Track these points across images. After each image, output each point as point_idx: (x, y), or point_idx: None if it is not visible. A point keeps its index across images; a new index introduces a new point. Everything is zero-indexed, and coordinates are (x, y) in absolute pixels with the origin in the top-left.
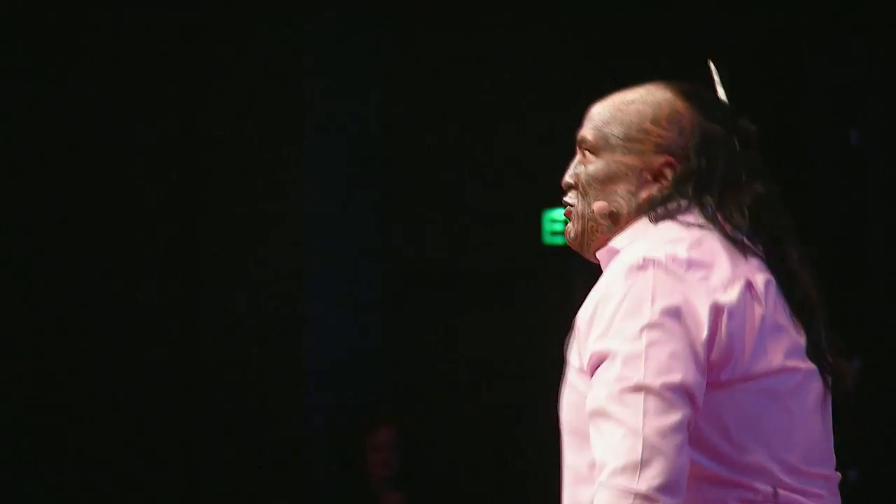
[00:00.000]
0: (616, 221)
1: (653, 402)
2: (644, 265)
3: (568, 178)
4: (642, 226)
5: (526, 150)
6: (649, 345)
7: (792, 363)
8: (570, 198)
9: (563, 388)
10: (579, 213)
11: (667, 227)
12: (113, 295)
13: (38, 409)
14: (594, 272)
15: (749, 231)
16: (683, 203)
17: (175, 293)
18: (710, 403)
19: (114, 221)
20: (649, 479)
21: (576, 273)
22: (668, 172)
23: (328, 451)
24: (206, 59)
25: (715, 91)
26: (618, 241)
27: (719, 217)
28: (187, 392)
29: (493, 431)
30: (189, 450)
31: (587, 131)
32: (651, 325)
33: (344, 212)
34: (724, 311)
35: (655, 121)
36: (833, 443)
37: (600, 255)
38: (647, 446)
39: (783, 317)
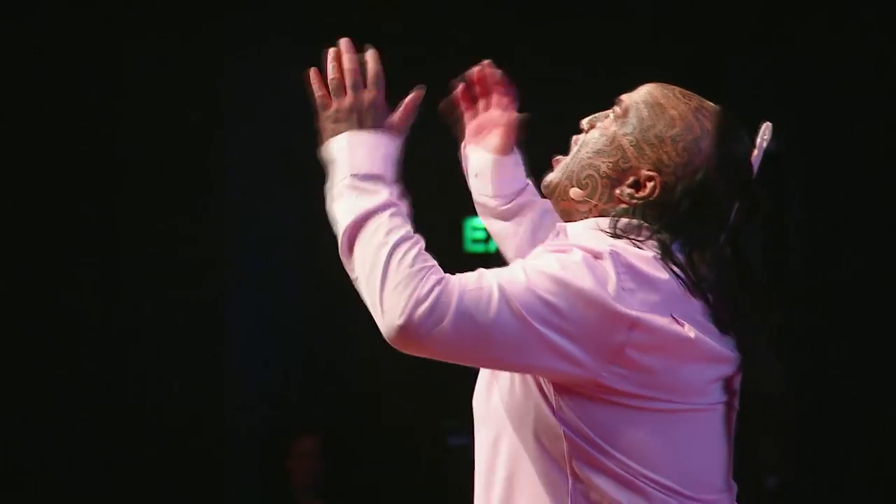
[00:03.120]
0: (584, 201)
1: (503, 292)
2: (587, 250)
3: (586, 121)
4: (600, 235)
5: (447, 157)
6: (539, 278)
7: (708, 398)
8: (575, 139)
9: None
10: (566, 168)
11: (624, 242)
12: (31, 300)
13: None
14: None
15: (704, 282)
16: (646, 227)
17: (93, 298)
18: (609, 417)
19: (37, 230)
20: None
21: None
22: (648, 189)
23: (251, 459)
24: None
25: (752, 150)
26: (573, 230)
27: (676, 254)
28: (107, 396)
29: (416, 440)
30: (108, 457)
31: (628, 97)
32: (551, 276)
33: (268, 226)
34: (626, 318)
35: (675, 140)
36: (731, 461)
37: (561, 214)
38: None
39: (711, 352)
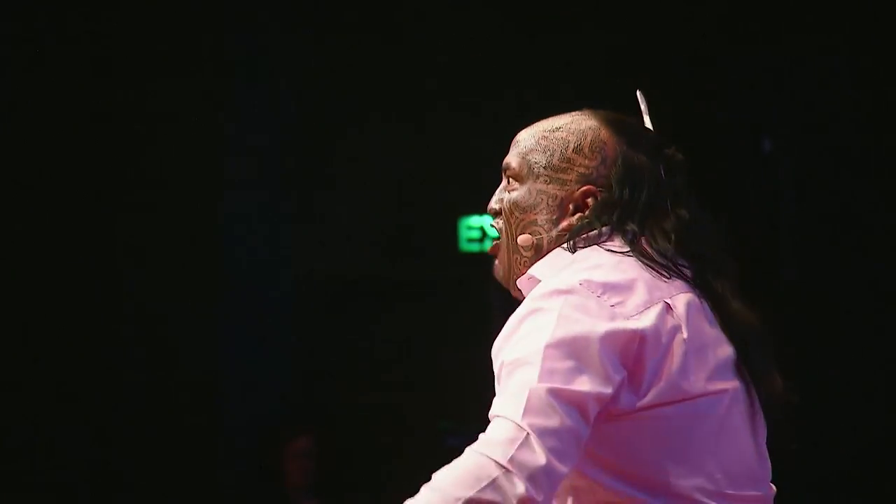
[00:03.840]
0: (538, 252)
1: (536, 401)
2: (557, 292)
3: (493, 203)
4: (561, 255)
5: (444, 157)
6: (545, 359)
7: (717, 385)
8: (496, 223)
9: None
10: (506, 249)
11: (586, 254)
12: (26, 302)
13: None
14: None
15: (674, 255)
16: (605, 230)
17: (88, 299)
18: (628, 430)
19: (37, 230)
20: (520, 458)
21: (493, 280)
22: (591, 202)
23: (246, 459)
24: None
25: (642, 120)
26: (537, 270)
27: (642, 241)
28: (101, 397)
29: (411, 439)
30: (103, 462)
31: (512, 157)
32: (550, 345)
33: (259, 223)
34: (636, 339)
35: (579, 150)
36: (767, 457)
37: (521, 284)
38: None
39: (709, 336)
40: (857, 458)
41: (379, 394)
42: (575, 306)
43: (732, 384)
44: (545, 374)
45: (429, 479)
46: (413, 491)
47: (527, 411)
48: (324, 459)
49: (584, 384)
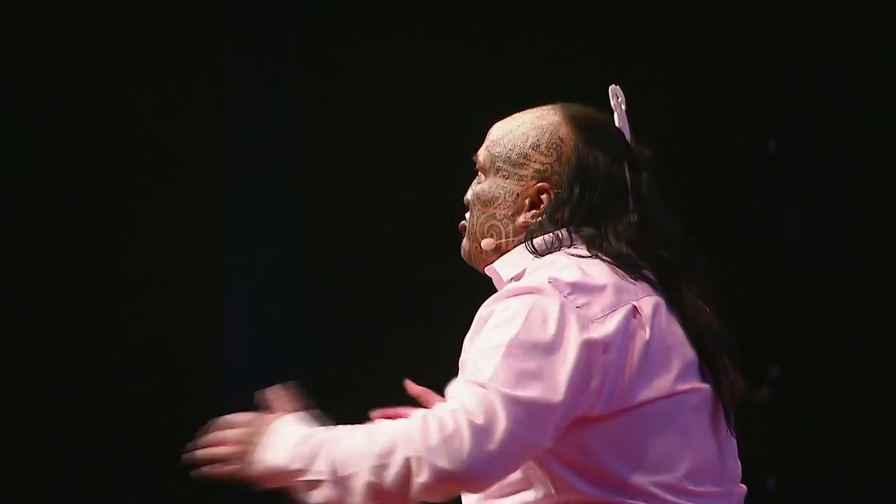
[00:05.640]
0: (497, 248)
1: (481, 400)
2: (526, 291)
3: (467, 197)
4: (523, 254)
5: (440, 159)
6: (505, 356)
7: (682, 386)
8: (467, 216)
9: None
10: (469, 232)
11: (553, 257)
12: (26, 300)
13: None
14: None
15: (632, 256)
16: (564, 234)
17: (89, 295)
18: (592, 433)
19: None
20: (443, 446)
21: None
22: (545, 199)
23: None
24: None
25: (610, 116)
26: (501, 267)
27: (601, 243)
28: (100, 402)
29: None
30: (101, 463)
31: (481, 151)
32: (512, 343)
33: (264, 224)
34: (599, 344)
35: (536, 146)
36: (735, 457)
37: (489, 272)
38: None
39: (674, 339)
40: (857, 459)
41: (382, 394)
42: (542, 308)
43: (696, 385)
44: (500, 374)
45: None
46: None
47: (472, 409)
48: None
49: (535, 390)
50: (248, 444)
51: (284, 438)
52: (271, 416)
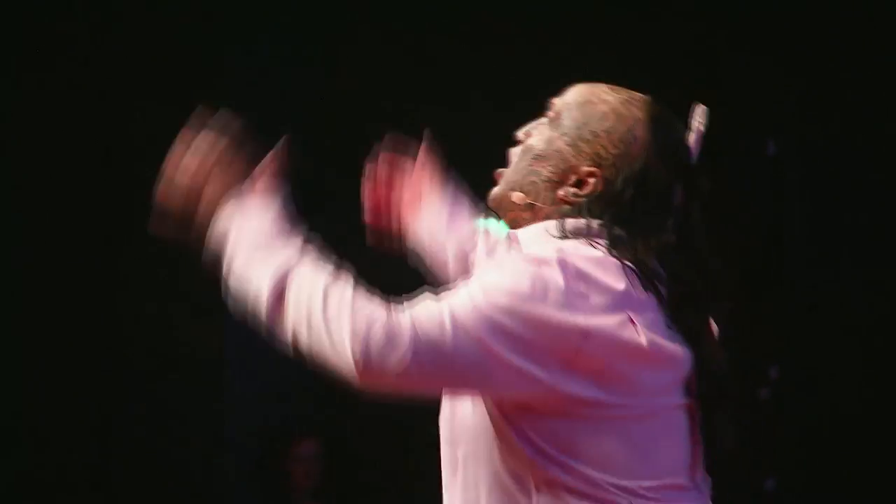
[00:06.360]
0: (528, 210)
1: (437, 317)
2: (536, 261)
3: (521, 132)
4: (547, 233)
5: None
6: (484, 301)
7: (666, 400)
8: (514, 151)
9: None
10: (506, 178)
11: (575, 244)
12: (31, 308)
13: None
14: None
15: (651, 272)
16: (595, 225)
17: (93, 297)
18: (569, 431)
19: (36, 231)
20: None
21: None
22: (591, 185)
23: (250, 462)
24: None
25: (687, 134)
26: (525, 236)
27: (627, 249)
28: (106, 400)
29: (416, 445)
30: (106, 461)
31: (559, 100)
32: (498, 295)
33: None
34: (589, 334)
35: (609, 132)
36: (699, 451)
37: (511, 236)
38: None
39: (668, 354)
40: (858, 459)
41: (383, 396)
42: (543, 280)
43: (681, 402)
44: (468, 309)
45: (430, 484)
46: (417, 498)
47: (417, 315)
48: (329, 463)
49: (495, 339)
50: (214, 194)
51: (254, 225)
52: (249, 185)
